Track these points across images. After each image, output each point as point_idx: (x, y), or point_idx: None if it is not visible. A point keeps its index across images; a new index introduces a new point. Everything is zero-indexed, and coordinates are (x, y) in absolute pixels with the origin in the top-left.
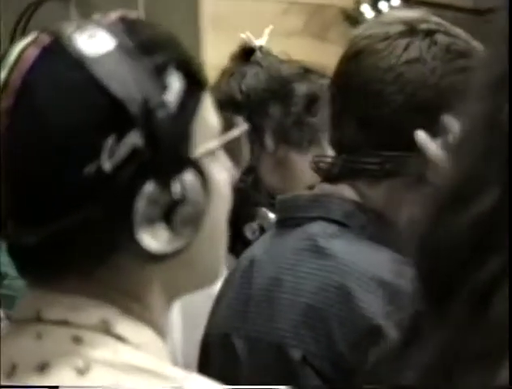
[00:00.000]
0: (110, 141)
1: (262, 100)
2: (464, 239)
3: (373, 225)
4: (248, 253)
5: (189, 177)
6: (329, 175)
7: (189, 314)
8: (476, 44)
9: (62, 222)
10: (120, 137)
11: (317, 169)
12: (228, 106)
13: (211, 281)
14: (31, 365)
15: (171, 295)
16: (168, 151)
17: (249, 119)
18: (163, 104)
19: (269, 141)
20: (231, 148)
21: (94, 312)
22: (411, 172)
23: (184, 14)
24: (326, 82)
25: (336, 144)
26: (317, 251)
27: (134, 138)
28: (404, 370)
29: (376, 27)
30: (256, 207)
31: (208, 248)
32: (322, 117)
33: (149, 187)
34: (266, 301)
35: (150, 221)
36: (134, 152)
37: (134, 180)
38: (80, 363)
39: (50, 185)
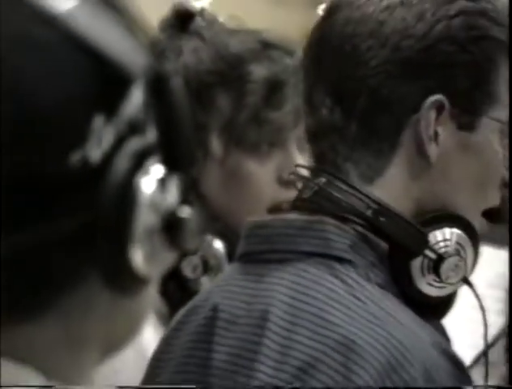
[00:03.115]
0: (99, 118)
1: (205, 86)
2: None
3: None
4: (200, 301)
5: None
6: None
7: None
8: None
9: (37, 232)
10: (111, 112)
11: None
12: None
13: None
14: None
15: (108, 348)
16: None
17: None
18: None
19: (215, 143)
20: None
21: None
22: None
23: None
24: (293, 61)
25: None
26: (352, 293)
27: (133, 111)
28: None
29: None
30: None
31: None
32: (289, 110)
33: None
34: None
35: (148, 235)
36: (131, 133)
37: (133, 175)
38: None
39: (22, 183)
